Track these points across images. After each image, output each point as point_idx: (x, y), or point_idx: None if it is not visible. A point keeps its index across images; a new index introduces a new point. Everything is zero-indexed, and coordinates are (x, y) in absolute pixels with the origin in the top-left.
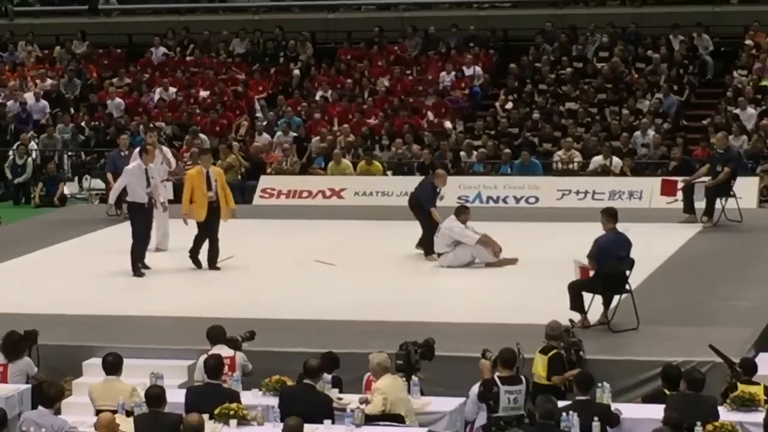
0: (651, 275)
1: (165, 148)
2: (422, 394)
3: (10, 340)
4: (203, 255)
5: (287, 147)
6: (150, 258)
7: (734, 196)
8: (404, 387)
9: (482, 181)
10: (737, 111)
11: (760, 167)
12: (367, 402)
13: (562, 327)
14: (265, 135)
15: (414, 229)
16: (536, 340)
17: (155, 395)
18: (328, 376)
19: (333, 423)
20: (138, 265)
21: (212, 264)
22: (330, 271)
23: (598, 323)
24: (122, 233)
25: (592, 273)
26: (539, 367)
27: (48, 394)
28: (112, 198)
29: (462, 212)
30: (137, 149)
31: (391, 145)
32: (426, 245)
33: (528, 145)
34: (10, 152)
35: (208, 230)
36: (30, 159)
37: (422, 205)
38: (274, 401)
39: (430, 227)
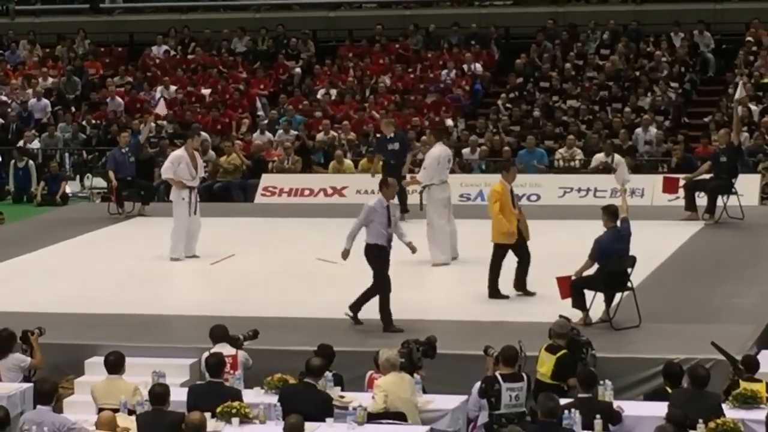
0: (653, 273)
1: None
2: (424, 392)
3: None
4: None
5: (289, 145)
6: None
7: (736, 193)
8: (410, 386)
9: (484, 178)
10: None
11: (762, 164)
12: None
13: (569, 325)
14: (267, 133)
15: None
16: (538, 337)
17: (159, 393)
18: (329, 374)
19: (332, 419)
20: (390, 319)
21: (522, 287)
22: (332, 268)
23: (599, 321)
24: (124, 232)
25: (573, 276)
26: (544, 366)
27: (42, 390)
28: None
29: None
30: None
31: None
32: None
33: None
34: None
35: (523, 251)
36: (30, 162)
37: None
38: (275, 399)
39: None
